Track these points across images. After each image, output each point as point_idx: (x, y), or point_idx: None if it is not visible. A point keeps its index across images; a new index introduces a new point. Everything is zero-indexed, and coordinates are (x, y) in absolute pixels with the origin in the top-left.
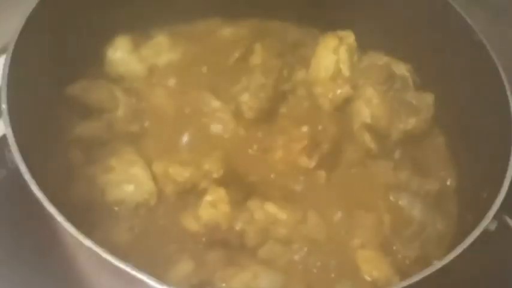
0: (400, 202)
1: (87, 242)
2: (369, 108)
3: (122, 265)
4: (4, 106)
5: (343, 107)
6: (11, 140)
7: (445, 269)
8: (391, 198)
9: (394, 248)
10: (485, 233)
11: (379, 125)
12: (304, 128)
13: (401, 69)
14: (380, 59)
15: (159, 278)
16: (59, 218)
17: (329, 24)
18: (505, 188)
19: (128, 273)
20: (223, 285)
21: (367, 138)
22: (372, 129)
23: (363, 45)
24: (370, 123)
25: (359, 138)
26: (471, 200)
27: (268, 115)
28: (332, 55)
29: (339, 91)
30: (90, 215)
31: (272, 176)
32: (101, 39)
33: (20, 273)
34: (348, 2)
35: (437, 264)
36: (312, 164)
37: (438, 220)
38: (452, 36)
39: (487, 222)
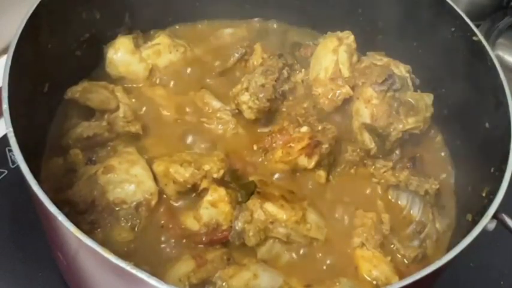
0: (399, 202)
1: (88, 241)
2: (368, 108)
3: (122, 264)
4: (5, 106)
5: (343, 107)
6: (12, 140)
7: (444, 269)
8: (390, 197)
9: (394, 247)
10: (484, 232)
11: (379, 125)
12: (304, 128)
13: (401, 69)
14: (380, 60)
15: (160, 277)
16: (60, 217)
17: (328, 25)
18: (503, 187)
19: (129, 272)
20: (224, 284)
21: (367, 138)
22: (372, 129)
23: (363, 46)
24: (370, 123)
25: (358, 138)
26: (470, 199)
27: (268, 115)
28: (331, 55)
29: (338, 91)
30: (91, 214)
31: (272, 176)
32: (101, 40)
33: (21, 272)
34: (348, 3)
35: (437, 264)
36: (312, 164)
37: (437, 219)
38: (452, 37)
39: (486, 221)
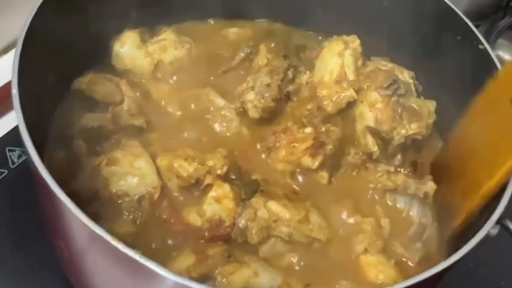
0: (398, 205)
1: (97, 229)
2: (372, 112)
3: (130, 253)
4: (15, 91)
5: (347, 109)
6: (22, 125)
7: (444, 272)
8: (388, 201)
9: (396, 250)
10: (487, 237)
11: (382, 129)
12: (308, 129)
13: (405, 75)
14: (384, 65)
15: None
16: (69, 204)
17: (334, 29)
18: (508, 193)
19: (136, 262)
20: (223, 280)
21: (370, 141)
22: (375, 132)
23: (368, 52)
24: (374, 127)
25: (362, 141)
26: None
27: (272, 115)
28: (337, 59)
29: (343, 94)
30: (93, 206)
31: (275, 174)
32: (108, 33)
33: (21, 272)
34: (354, 9)
35: (438, 267)
36: (316, 164)
37: (437, 220)
38: (458, 45)
39: (489, 227)
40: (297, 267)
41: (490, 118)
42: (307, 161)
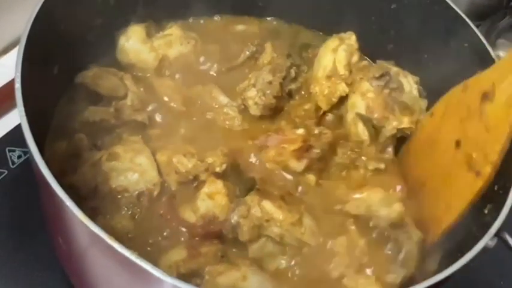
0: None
1: (94, 228)
2: (364, 100)
3: (127, 253)
4: (18, 85)
5: (339, 105)
6: (23, 120)
7: (444, 282)
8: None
9: (373, 271)
10: (484, 249)
11: (373, 117)
12: (300, 130)
13: (409, 80)
14: (389, 69)
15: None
16: (68, 201)
17: (340, 29)
18: (508, 206)
19: (132, 262)
20: (211, 279)
21: (360, 129)
22: (366, 119)
23: (374, 54)
24: (364, 114)
25: (352, 130)
26: (469, 214)
27: (273, 113)
28: (331, 55)
29: (334, 89)
30: (92, 200)
31: (269, 174)
32: (115, 27)
33: (21, 272)
34: (362, 10)
35: (435, 278)
36: (301, 167)
37: (414, 232)
38: (465, 53)
39: (487, 239)
40: (286, 272)
41: (434, 154)
42: (293, 163)
